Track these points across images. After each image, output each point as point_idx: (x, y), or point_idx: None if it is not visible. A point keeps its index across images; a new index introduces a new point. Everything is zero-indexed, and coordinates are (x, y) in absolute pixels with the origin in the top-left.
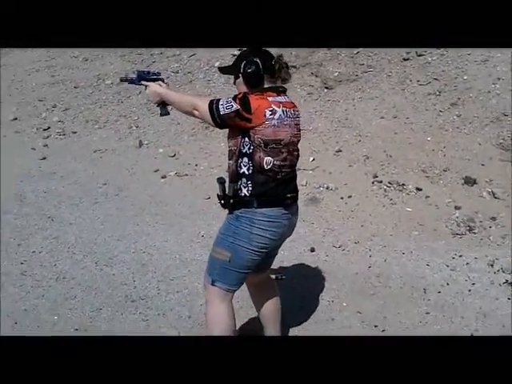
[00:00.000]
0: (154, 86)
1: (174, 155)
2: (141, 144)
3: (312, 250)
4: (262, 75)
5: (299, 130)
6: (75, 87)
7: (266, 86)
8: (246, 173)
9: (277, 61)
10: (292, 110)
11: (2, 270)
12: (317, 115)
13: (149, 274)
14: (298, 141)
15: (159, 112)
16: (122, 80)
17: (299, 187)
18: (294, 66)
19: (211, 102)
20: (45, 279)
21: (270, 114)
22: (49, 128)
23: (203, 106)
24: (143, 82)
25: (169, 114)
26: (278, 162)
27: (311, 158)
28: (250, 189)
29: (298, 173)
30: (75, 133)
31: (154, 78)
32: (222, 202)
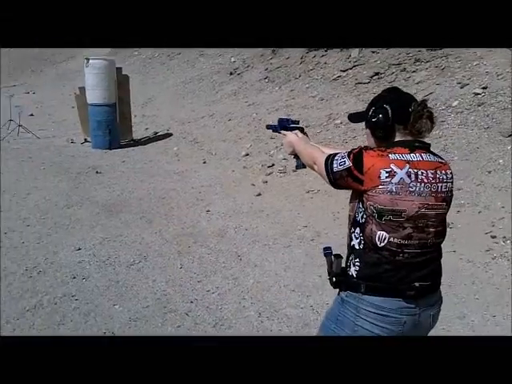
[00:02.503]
0: (289, 136)
1: None
2: None
3: None
4: (391, 126)
5: (443, 200)
6: (306, 126)
7: (398, 138)
8: (357, 247)
9: (416, 109)
10: (432, 171)
11: (171, 306)
12: None
13: None
14: (438, 214)
15: (295, 164)
16: (267, 127)
17: None
18: None
19: (328, 157)
20: (203, 324)
21: (387, 177)
22: (273, 165)
23: (321, 159)
24: (282, 131)
25: (304, 167)
26: (397, 240)
27: None
28: (357, 269)
29: None
30: (295, 171)
31: (293, 126)
32: (328, 278)
